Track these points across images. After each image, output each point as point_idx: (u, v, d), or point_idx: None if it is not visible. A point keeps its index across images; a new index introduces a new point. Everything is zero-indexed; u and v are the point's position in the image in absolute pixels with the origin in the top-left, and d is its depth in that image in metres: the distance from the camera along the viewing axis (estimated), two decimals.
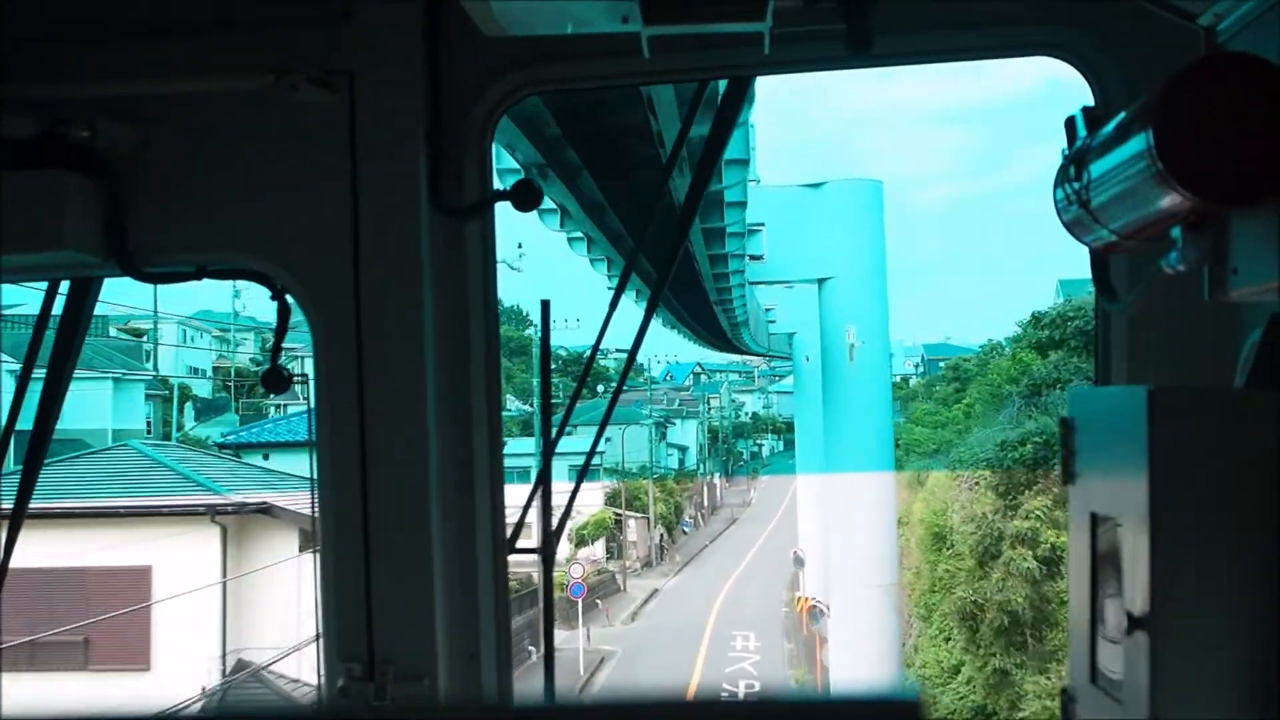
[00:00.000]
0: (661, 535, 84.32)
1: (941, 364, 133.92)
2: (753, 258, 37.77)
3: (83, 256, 4.74)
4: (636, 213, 25.42)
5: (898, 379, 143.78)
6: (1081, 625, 3.47)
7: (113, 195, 4.75)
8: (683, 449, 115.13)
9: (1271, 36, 3.23)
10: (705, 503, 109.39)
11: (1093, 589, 3.40)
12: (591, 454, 6.39)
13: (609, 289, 35.15)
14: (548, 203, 25.56)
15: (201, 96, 4.76)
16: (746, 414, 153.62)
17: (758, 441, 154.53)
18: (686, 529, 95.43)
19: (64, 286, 5.34)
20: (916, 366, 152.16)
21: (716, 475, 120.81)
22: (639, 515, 78.89)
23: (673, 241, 6.17)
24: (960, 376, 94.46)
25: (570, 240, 32.04)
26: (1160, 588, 2.93)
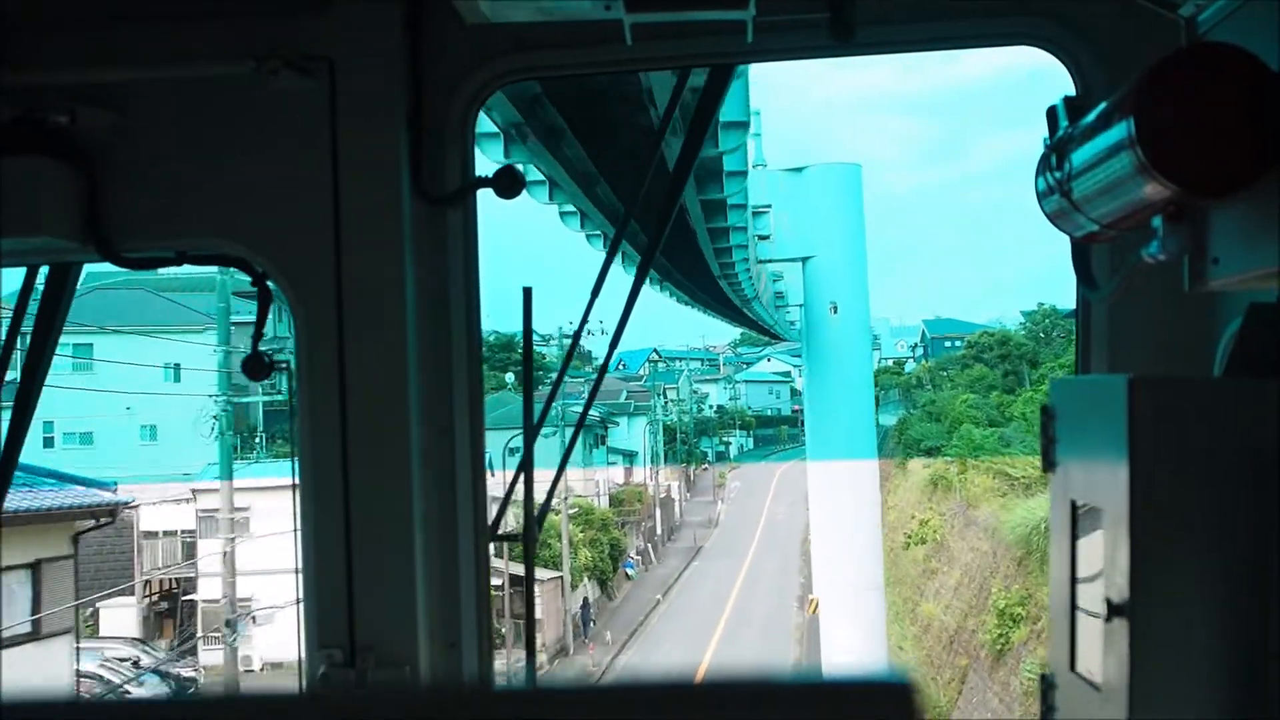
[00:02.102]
0: (585, 600, 56.56)
1: (949, 344, 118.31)
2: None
3: (61, 242, 4.72)
4: (630, 182, 23.54)
5: (889, 363, 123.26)
6: (1061, 612, 3.49)
7: (91, 181, 4.73)
8: (629, 455, 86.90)
9: (1252, 27, 3.25)
10: (659, 528, 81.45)
11: (1072, 576, 3.43)
12: (568, 454, 6.38)
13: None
14: (535, 173, 23.42)
15: (181, 83, 4.74)
16: (711, 407, 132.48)
17: (724, 440, 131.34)
18: (632, 571, 69.02)
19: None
20: (914, 348, 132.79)
21: (674, 487, 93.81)
22: (548, 576, 51.47)
23: (664, 205, 6.06)
24: (1007, 355, 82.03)
25: (562, 215, 29.60)
26: (1139, 575, 2.95)
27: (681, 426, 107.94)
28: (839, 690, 1.07)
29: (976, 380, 79.88)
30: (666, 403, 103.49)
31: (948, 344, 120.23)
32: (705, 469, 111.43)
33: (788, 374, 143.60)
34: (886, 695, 1.05)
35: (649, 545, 76.58)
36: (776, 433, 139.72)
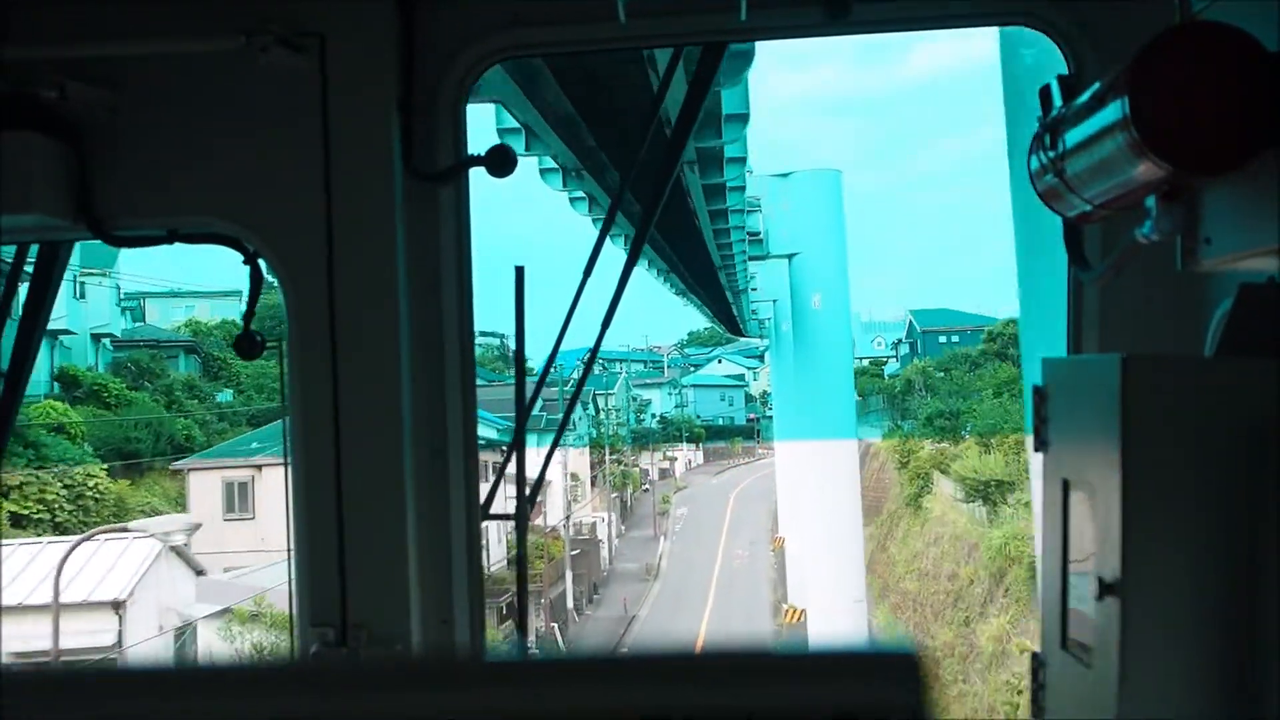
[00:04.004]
0: None
1: (943, 339, 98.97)
2: None
3: (52, 220, 4.70)
4: (620, 142, 21.97)
5: (863, 363, 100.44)
6: (1053, 591, 3.51)
7: (82, 158, 4.71)
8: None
9: (1246, 5, 3.24)
10: (571, 595, 60.33)
11: (1064, 555, 3.44)
12: (557, 439, 6.33)
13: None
14: (511, 121, 20.73)
15: (172, 58, 4.71)
16: (653, 416, 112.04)
17: (669, 455, 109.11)
18: None
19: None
20: (897, 345, 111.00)
21: (600, 524, 70.28)
22: None
23: (659, 182, 5.96)
24: None
25: (542, 172, 26.84)
26: (1131, 554, 2.96)
27: (614, 442, 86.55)
28: (844, 662, 1.06)
29: (1004, 384, 61.64)
30: (598, 413, 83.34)
31: (941, 339, 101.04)
32: (646, 489, 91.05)
33: (741, 377, 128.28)
34: (893, 667, 1.04)
35: (554, 626, 56.20)
36: (729, 445, 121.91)
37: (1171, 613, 3.00)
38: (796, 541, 52.52)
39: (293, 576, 4.81)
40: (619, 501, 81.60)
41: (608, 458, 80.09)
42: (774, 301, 52.59)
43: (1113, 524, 3.00)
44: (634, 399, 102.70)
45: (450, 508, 4.87)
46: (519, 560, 5.50)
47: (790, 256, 47.06)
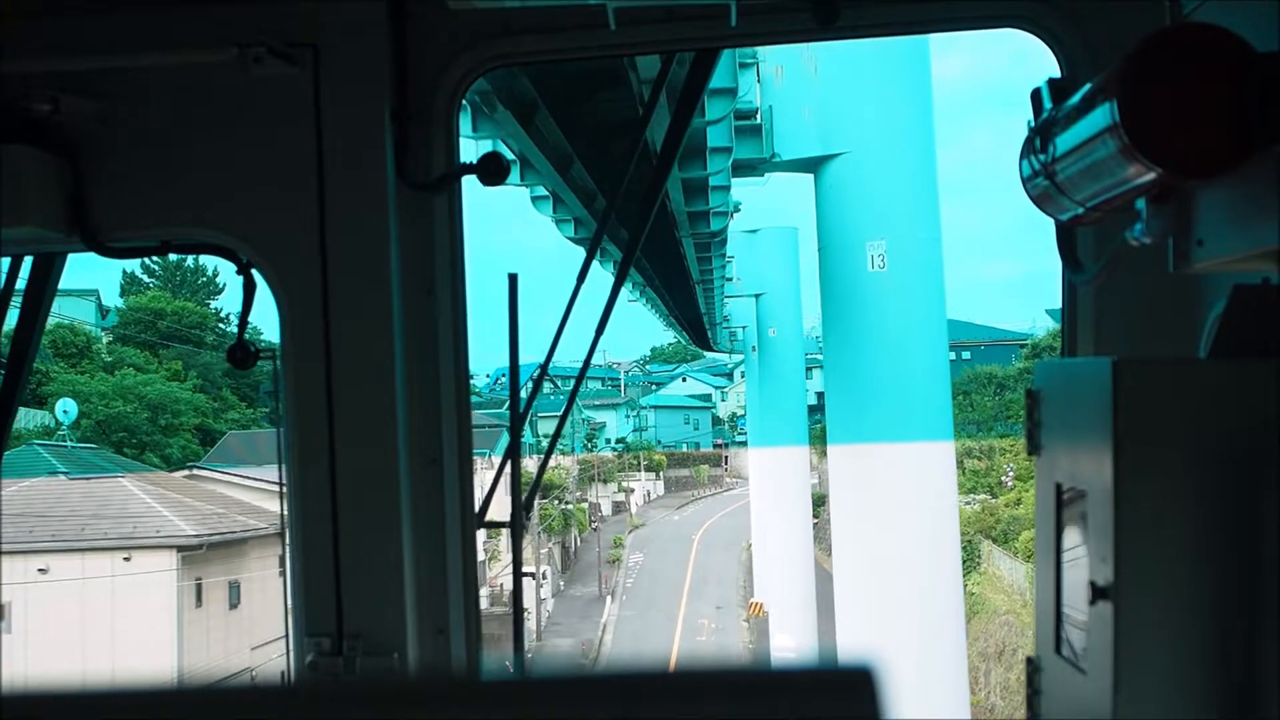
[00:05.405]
0: None
1: (953, 356, 75.20)
2: None
3: (45, 232, 4.70)
4: (606, 165, 21.85)
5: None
6: (1047, 596, 3.50)
7: (75, 170, 4.72)
8: None
9: (1236, 7, 3.24)
10: None
11: (1057, 560, 3.43)
12: (551, 449, 6.32)
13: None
14: (506, 154, 21.14)
15: (164, 70, 4.72)
16: (608, 441, 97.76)
17: (625, 486, 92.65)
18: None
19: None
20: None
21: (532, 579, 49.02)
22: None
23: (646, 196, 5.98)
24: None
25: (534, 200, 26.86)
26: (1124, 558, 2.95)
27: (551, 479, 70.06)
28: (803, 678, 1.06)
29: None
30: (536, 440, 61.88)
31: (951, 355, 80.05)
32: (596, 528, 77.50)
33: (708, 397, 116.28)
34: (850, 684, 1.04)
35: None
36: (694, 473, 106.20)
37: (1165, 617, 2.98)
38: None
39: (289, 586, 4.81)
40: (560, 547, 69.38)
41: (536, 502, 59.57)
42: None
43: (1105, 528, 2.99)
44: (585, 421, 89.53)
45: (446, 517, 4.87)
46: (515, 576, 5.49)
47: (825, 160, 23.76)
